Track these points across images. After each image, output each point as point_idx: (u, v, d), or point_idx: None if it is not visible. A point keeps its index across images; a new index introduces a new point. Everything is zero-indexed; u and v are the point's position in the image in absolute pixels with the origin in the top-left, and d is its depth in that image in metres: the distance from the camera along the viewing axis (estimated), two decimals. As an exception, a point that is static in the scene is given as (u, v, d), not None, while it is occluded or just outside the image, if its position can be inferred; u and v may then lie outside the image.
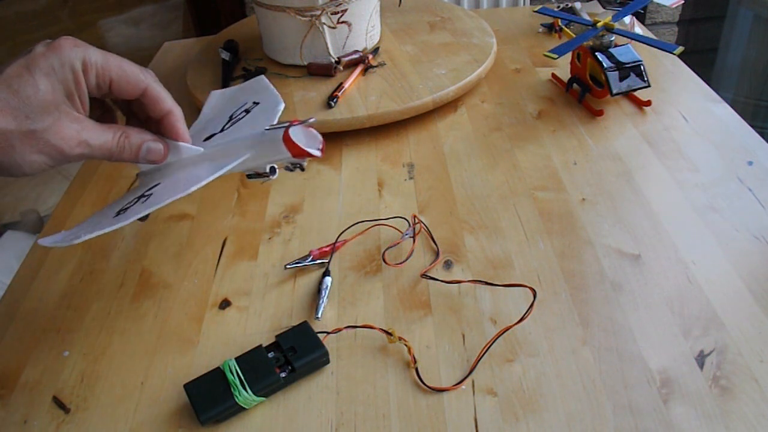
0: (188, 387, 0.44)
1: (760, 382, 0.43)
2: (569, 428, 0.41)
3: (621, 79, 0.69)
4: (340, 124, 0.71)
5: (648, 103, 0.74)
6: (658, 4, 1.02)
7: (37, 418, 0.45)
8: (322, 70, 0.79)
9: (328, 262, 0.55)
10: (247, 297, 0.53)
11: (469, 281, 0.52)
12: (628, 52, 0.70)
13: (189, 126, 0.47)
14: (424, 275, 0.53)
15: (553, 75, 0.82)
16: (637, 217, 0.58)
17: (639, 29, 0.89)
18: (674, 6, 1.31)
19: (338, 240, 0.57)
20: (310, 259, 0.55)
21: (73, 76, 0.39)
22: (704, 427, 0.40)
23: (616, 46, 0.71)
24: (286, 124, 0.41)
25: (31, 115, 0.38)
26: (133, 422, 0.44)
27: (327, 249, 0.56)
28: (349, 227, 0.58)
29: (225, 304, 0.53)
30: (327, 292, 0.52)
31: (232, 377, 0.43)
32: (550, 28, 0.94)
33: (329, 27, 0.78)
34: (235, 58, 0.85)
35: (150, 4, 2.31)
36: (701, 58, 1.84)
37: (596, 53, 0.70)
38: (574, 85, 0.77)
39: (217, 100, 0.54)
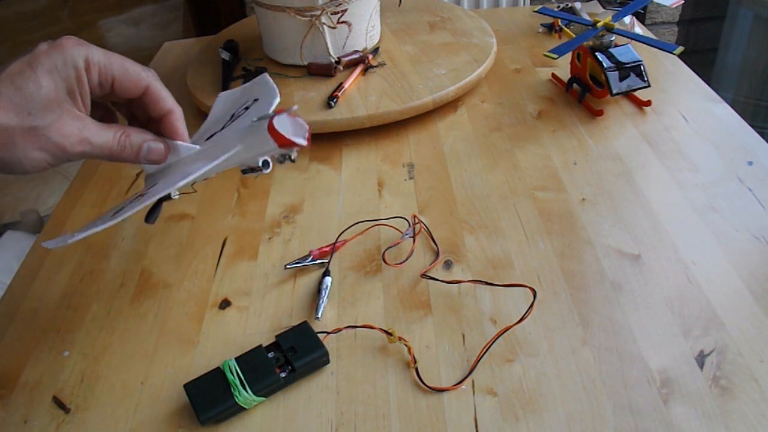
0: (188, 387, 0.44)
1: (760, 382, 0.43)
2: (569, 428, 0.41)
3: (621, 79, 0.69)
4: (340, 124, 0.71)
5: (648, 103, 0.74)
6: (658, 4, 1.02)
7: (37, 418, 0.45)
8: (322, 70, 0.79)
9: (328, 262, 0.55)
10: (247, 297, 0.53)
11: (469, 281, 0.52)
12: (628, 52, 0.70)
13: (194, 129, 0.47)
14: (424, 275, 0.53)
15: (553, 75, 0.82)
16: (637, 217, 0.58)
17: (639, 29, 0.89)
18: (674, 6, 1.31)
19: (338, 240, 0.57)
20: (310, 259, 0.55)
21: (76, 74, 0.40)
22: (704, 427, 0.40)
23: (616, 46, 0.71)
24: (271, 114, 0.41)
25: (33, 112, 0.38)
26: (133, 422, 0.44)
27: (327, 249, 0.56)
28: (349, 227, 0.58)
29: (225, 304, 0.53)
30: (327, 292, 0.52)
31: (232, 377, 0.43)
32: (550, 28, 0.94)
33: (329, 27, 0.78)
34: (235, 58, 0.85)
35: (150, 4, 2.31)
36: (701, 58, 1.84)
37: (596, 53, 0.70)
38: (574, 85, 0.77)
39: (223, 102, 0.54)
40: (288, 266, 0.55)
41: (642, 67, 0.69)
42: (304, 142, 0.41)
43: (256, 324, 0.51)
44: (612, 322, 0.48)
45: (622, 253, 0.54)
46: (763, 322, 0.47)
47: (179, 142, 0.45)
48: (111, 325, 0.52)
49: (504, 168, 0.66)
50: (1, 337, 0.52)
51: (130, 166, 0.71)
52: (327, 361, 0.46)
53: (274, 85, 0.49)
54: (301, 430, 0.43)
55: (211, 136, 0.48)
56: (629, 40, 0.72)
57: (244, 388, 0.43)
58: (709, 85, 0.78)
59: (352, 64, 0.79)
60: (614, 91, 0.69)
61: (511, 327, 0.47)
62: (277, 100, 0.47)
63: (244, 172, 0.45)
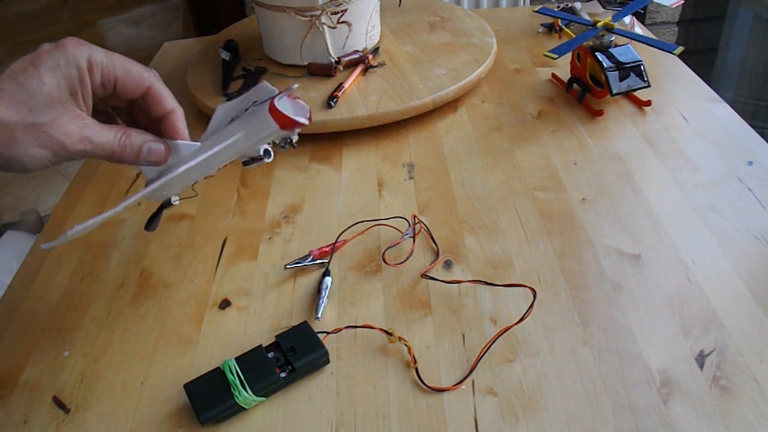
0: (188, 387, 0.44)
1: (760, 382, 0.43)
2: (569, 428, 0.41)
3: (621, 79, 0.69)
4: (340, 124, 0.71)
5: (648, 103, 0.74)
6: (658, 4, 1.02)
7: (37, 418, 0.45)
8: (322, 70, 0.79)
9: (328, 262, 0.55)
10: (247, 297, 0.53)
11: (469, 281, 0.52)
12: (628, 52, 0.70)
13: (194, 129, 0.47)
14: (424, 275, 0.53)
15: (553, 75, 0.82)
16: (637, 217, 0.58)
17: (639, 29, 0.89)
18: (674, 6, 1.31)
19: (338, 240, 0.57)
20: (310, 259, 0.55)
21: (78, 73, 0.40)
22: (704, 427, 0.40)
23: (616, 46, 0.71)
24: (272, 96, 0.41)
25: (34, 109, 0.38)
26: (133, 422, 0.44)
27: (327, 249, 0.56)
28: (349, 227, 0.58)
29: (225, 304, 0.53)
30: (327, 292, 0.52)
31: (232, 377, 0.43)
32: (550, 28, 0.94)
33: (329, 27, 0.78)
34: (235, 58, 0.85)
35: (150, 4, 2.31)
36: (701, 58, 1.84)
37: (596, 53, 0.70)
38: (574, 85, 0.77)
39: (222, 112, 0.54)
40: (288, 266, 0.55)
41: (642, 67, 0.69)
42: (306, 121, 0.40)
43: (256, 324, 0.51)
44: (612, 322, 0.48)
45: (622, 253, 0.54)
46: (763, 322, 0.47)
47: (180, 142, 0.45)
48: (111, 325, 0.52)
49: (504, 168, 0.66)
50: (1, 337, 0.52)
51: (129, 166, 0.71)
52: (327, 361, 0.46)
53: (274, 88, 0.49)
54: (301, 430, 0.43)
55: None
56: (629, 40, 0.72)
57: (244, 388, 0.43)
58: (709, 85, 0.78)
59: (352, 64, 0.79)
60: (614, 91, 0.69)
61: (511, 327, 0.47)
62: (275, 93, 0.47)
63: (245, 164, 0.45)
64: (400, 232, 0.57)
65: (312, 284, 0.54)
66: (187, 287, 0.55)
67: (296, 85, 0.41)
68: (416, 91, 0.74)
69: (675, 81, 0.79)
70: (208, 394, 0.43)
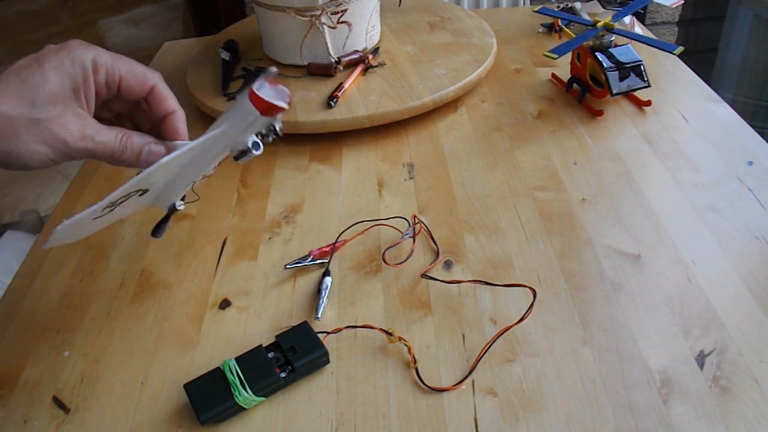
0: (188, 387, 0.44)
1: (760, 382, 0.43)
2: (569, 428, 0.41)
3: (621, 79, 0.69)
4: (340, 124, 0.71)
5: (648, 103, 0.74)
6: (658, 4, 1.02)
7: (37, 418, 0.45)
8: (322, 70, 0.79)
9: (328, 262, 0.55)
10: (247, 297, 0.53)
11: (469, 281, 0.52)
12: (628, 52, 0.70)
13: (194, 129, 0.47)
14: (424, 275, 0.53)
15: (553, 75, 0.82)
16: (637, 217, 0.58)
17: (639, 29, 0.89)
18: (674, 6, 1.31)
19: (338, 240, 0.57)
20: (310, 259, 0.55)
21: (83, 73, 0.40)
22: (704, 427, 0.40)
23: (616, 46, 0.71)
24: (251, 84, 0.41)
25: (37, 104, 0.38)
26: (133, 422, 0.44)
27: (327, 249, 0.56)
28: (349, 227, 0.58)
29: (225, 304, 0.53)
30: (327, 292, 0.52)
31: (232, 377, 0.43)
32: (550, 28, 0.94)
33: (329, 27, 0.78)
34: (235, 58, 0.85)
35: (150, 4, 2.31)
36: (701, 58, 1.84)
37: (596, 53, 0.70)
38: (574, 85, 0.77)
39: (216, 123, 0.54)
40: (288, 266, 0.55)
41: (642, 67, 0.69)
42: (285, 105, 0.40)
43: (256, 324, 0.51)
44: (612, 322, 0.48)
45: (622, 253, 0.54)
46: (763, 322, 0.47)
47: (178, 142, 0.45)
48: (111, 325, 0.52)
49: (504, 168, 0.66)
50: (1, 337, 0.52)
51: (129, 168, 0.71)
52: (327, 361, 0.46)
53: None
54: (301, 430, 0.43)
55: None
56: (629, 40, 0.72)
57: (244, 388, 0.43)
58: (709, 85, 0.78)
59: (352, 64, 0.79)
60: (614, 91, 0.69)
61: (511, 327, 0.47)
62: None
63: (236, 158, 0.44)
64: (400, 232, 0.57)
65: (312, 284, 0.54)
66: (187, 287, 0.55)
67: (274, 69, 0.41)
68: (416, 91, 0.74)
69: (675, 81, 0.79)
70: (208, 394, 0.43)
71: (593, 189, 0.62)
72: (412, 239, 0.56)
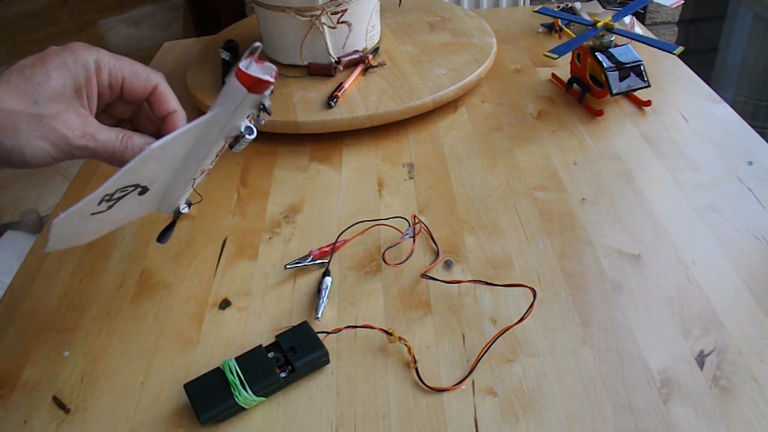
0: (188, 387, 0.44)
1: (760, 382, 0.43)
2: (569, 428, 0.41)
3: (621, 79, 0.69)
4: (340, 124, 0.71)
5: (648, 103, 0.74)
6: (658, 4, 1.02)
7: (37, 418, 0.45)
8: (322, 70, 0.79)
9: (328, 262, 0.55)
10: (247, 297, 0.53)
11: (469, 281, 0.52)
12: (628, 52, 0.70)
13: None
14: (424, 275, 0.53)
15: (553, 75, 0.82)
16: (637, 217, 0.58)
17: (639, 29, 0.89)
18: (674, 6, 1.31)
19: (338, 240, 0.57)
20: (310, 259, 0.55)
21: (85, 73, 0.41)
22: (704, 427, 0.40)
23: (616, 46, 0.71)
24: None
25: (39, 101, 0.39)
26: (133, 422, 0.44)
27: (327, 249, 0.56)
28: (349, 227, 0.58)
29: (225, 304, 0.53)
30: (327, 292, 0.52)
31: (232, 377, 0.43)
32: (550, 28, 0.94)
33: (329, 27, 0.78)
34: (235, 58, 0.85)
35: (150, 4, 2.31)
36: (701, 58, 1.84)
37: (596, 53, 0.70)
38: (574, 85, 0.77)
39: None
40: (288, 266, 0.55)
41: (642, 67, 0.69)
42: (271, 78, 0.40)
43: (256, 324, 0.51)
44: (612, 322, 0.48)
45: (622, 253, 0.54)
46: (763, 322, 0.47)
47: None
48: (111, 325, 0.52)
49: (504, 168, 0.66)
50: (1, 337, 0.52)
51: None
52: (327, 361, 0.46)
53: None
54: (301, 430, 0.43)
55: None
56: (629, 40, 0.72)
57: (244, 388, 0.43)
58: (709, 85, 0.78)
59: (352, 64, 0.79)
60: (614, 91, 0.69)
61: (511, 327, 0.47)
62: None
63: (231, 146, 0.44)
64: (400, 232, 0.57)
65: (312, 284, 0.54)
66: (187, 287, 0.55)
67: (258, 43, 0.41)
68: (416, 91, 0.74)
69: (675, 81, 0.79)
70: (208, 394, 0.43)
71: (593, 189, 0.62)
72: (412, 239, 0.56)
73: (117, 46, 2.25)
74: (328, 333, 0.48)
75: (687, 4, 1.75)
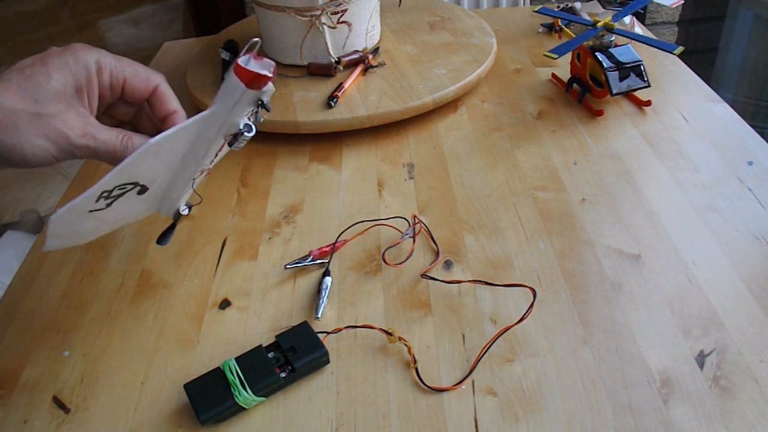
0: (188, 387, 0.44)
1: (760, 382, 0.43)
2: (569, 428, 0.41)
3: (621, 79, 0.69)
4: (340, 124, 0.71)
5: (648, 103, 0.74)
6: (658, 4, 1.02)
7: (37, 418, 0.45)
8: (322, 70, 0.79)
9: (328, 262, 0.55)
10: (247, 297, 0.53)
11: (469, 281, 0.52)
12: (628, 52, 0.70)
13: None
14: (424, 275, 0.53)
15: (553, 75, 0.82)
16: (637, 217, 0.58)
17: (639, 29, 0.89)
18: (674, 6, 1.31)
19: (338, 240, 0.57)
20: (310, 259, 0.55)
21: (86, 73, 0.41)
22: (704, 427, 0.40)
23: (616, 46, 0.71)
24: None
25: (39, 100, 0.39)
26: (133, 422, 0.44)
27: (327, 249, 0.56)
28: (349, 227, 0.58)
29: (225, 304, 0.53)
30: (327, 292, 0.52)
31: (232, 377, 0.43)
32: (550, 28, 0.94)
33: (329, 27, 0.78)
34: (235, 58, 0.85)
35: (150, 4, 2.31)
36: (701, 58, 1.84)
37: (596, 53, 0.70)
38: (574, 85, 0.77)
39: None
40: (288, 266, 0.55)
41: (642, 67, 0.69)
42: (269, 73, 0.40)
43: (256, 324, 0.51)
44: (612, 322, 0.48)
45: (622, 253, 0.54)
46: (763, 322, 0.47)
47: None
48: (111, 325, 0.52)
49: (504, 168, 0.66)
50: (1, 337, 0.52)
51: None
52: (327, 361, 0.46)
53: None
54: (301, 430, 0.43)
55: None
56: (629, 40, 0.72)
57: (244, 388, 0.43)
58: (709, 85, 0.78)
59: (352, 64, 0.79)
60: (614, 91, 0.69)
61: (511, 327, 0.47)
62: None
63: (230, 144, 0.44)
64: (400, 232, 0.57)
65: (312, 284, 0.54)
66: (187, 287, 0.55)
67: (257, 39, 0.41)
68: (416, 91, 0.74)
69: (675, 81, 0.79)
70: (208, 394, 0.43)
71: (593, 189, 0.62)
72: (412, 239, 0.56)
73: (117, 46, 2.25)
74: (328, 333, 0.48)
75: (687, 4, 1.75)
